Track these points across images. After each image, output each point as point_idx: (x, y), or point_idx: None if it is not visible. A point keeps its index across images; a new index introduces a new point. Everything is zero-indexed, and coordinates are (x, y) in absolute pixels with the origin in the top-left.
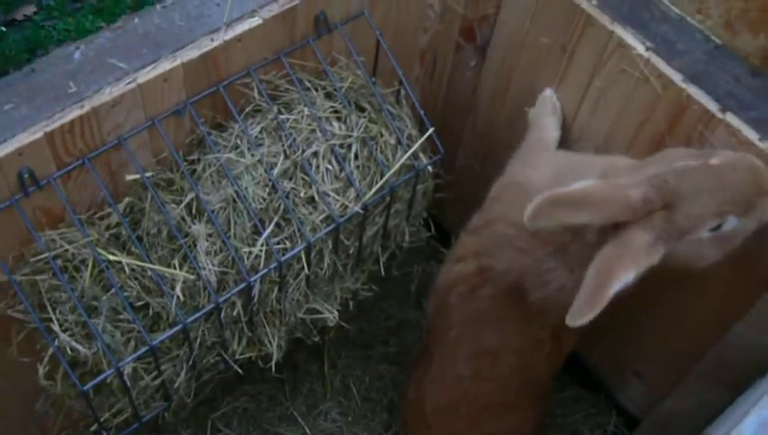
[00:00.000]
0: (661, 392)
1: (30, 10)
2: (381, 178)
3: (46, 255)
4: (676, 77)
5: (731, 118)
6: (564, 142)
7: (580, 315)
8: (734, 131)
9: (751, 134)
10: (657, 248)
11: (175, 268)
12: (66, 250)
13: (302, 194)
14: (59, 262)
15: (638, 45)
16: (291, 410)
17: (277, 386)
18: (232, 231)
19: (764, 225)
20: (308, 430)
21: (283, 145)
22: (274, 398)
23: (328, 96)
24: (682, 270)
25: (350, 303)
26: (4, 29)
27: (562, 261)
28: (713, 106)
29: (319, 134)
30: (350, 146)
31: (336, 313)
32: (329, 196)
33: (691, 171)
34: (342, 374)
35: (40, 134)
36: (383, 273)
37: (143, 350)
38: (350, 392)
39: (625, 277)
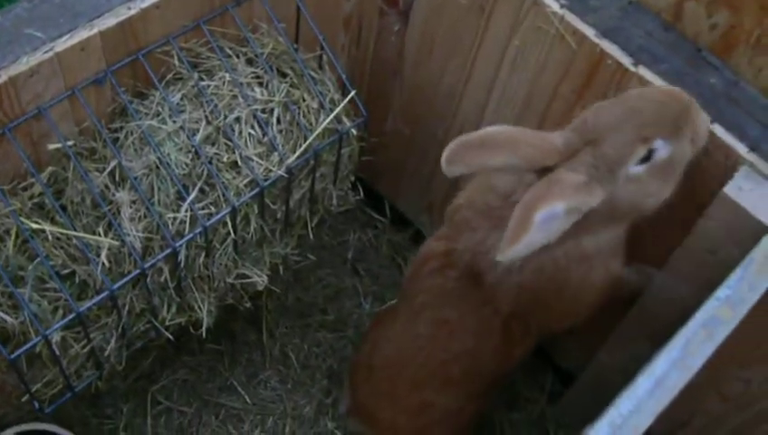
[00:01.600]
0: (594, 347)
1: None
2: (305, 141)
3: None
4: (590, 32)
5: (643, 71)
6: (486, 103)
7: (506, 246)
8: (646, 84)
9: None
10: (592, 189)
11: (99, 235)
12: None
13: (225, 159)
14: None
15: (552, 3)
16: (230, 380)
17: (216, 357)
18: (156, 198)
19: (701, 148)
20: (248, 399)
21: (204, 111)
22: (214, 369)
23: (249, 62)
24: (638, 215)
25: (281, 268)
26: None
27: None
28: (626, 60)
29: (240, 100)
30: (272, 111)
31: (265, 277)
32: (252, 160)
33: (607, 106)
34: (281, 343)
35: None
36: (312, 237)
37: (70, 317)
38: (289, 361)
39: (550, 207)
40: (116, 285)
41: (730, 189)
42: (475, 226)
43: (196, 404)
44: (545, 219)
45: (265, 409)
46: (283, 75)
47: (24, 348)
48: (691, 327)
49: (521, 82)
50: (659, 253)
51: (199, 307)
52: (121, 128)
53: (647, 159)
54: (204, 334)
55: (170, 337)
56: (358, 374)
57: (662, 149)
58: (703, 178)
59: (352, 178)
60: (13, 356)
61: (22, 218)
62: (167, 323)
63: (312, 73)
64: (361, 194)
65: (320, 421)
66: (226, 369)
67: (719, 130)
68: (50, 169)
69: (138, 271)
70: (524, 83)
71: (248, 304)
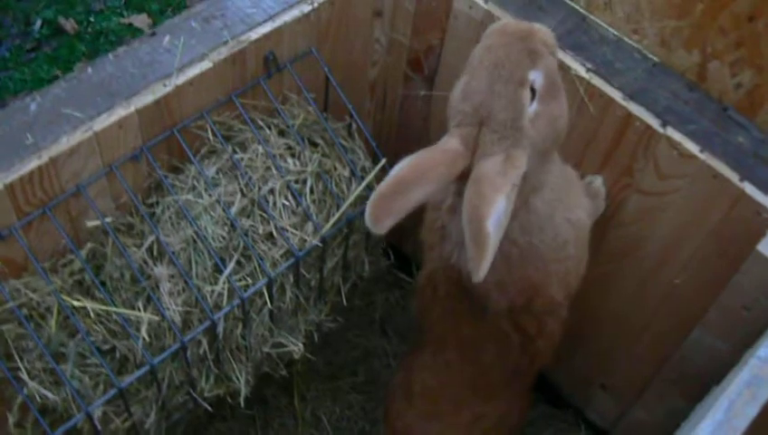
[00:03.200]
0: (628, 403)
1: None
2: (337, 210)
3: (11, 304)
4: (617, 95)
5: (671, 132)
6: None
7: (476, 267)
8: (675, 144)
9: (691, 146)
10: (514, 158)
11: (139, 310)
12: (31, 299)
13: (260, 230)
14: (24, 310)
15: (578, 67)
16: None
17: (248, 423)
18: (194, 271)
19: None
20: None
21: (239, 184)
22: (245, 434)
23: (281, 133)
24: (559, 140)
25: (315, 335)
26: None
27: (452, 242)
28: (654, 121)
29: (274, 171)
30: (305, 181)
31: (301, 345)
32: (287, 231)
33: (468, 84)
34: (313, 406)
35: (0, 186)
36: (345, 303)
37: (112, 393)
38: (321, 424)
39: (494, 208)
40: (157, 360)
41: (764, 247)
42: (433, 243)
43: None
44: (496, 220)
45: None
46: (315, 145)
47: (67, 425)
48: (734, 388)
49: None
50: (694, 310)
51: (237, 377)
52: (158, 202)
53: (533, 95)
54: (241, 403)
55: (209, 408)
56: (397, 402)
57: (537, 78)
58: (735, 235)
59: (383, 244)
60: (56, 433)
61: (63, 296)
62: (205, 395)
63: (343, 142)
64: (392, 259)
65: None
66: (259, 434)
67: (749, 188)
68: (89, 245)
69: (178, 345)
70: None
71: (283, 372)
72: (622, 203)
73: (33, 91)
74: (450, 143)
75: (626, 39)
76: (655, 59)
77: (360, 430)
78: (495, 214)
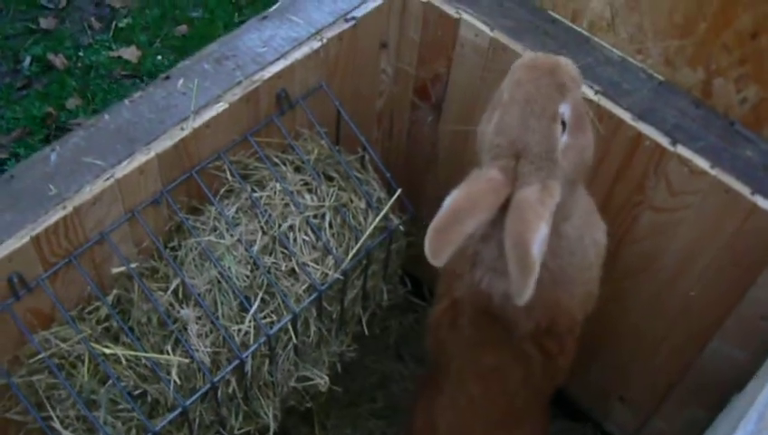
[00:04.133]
0: (647, 415)
1: None
2: (356, 242)
3: (42, 355)
4: (626, 116)
5: (682, 149)
6: None
7: (521, 290)
8: (685, 161)
9: (702, 162)
10: (551, 188)
11: (168, 354)
12: (61, 348)
13: (282, 267)
14: (55, 360)
15: (587, 90)
16: None
17: None
18: (220, 311)
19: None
20: None
21: (259, 222)
22: None
23: (297, 169)
24: (587, 169)
25: (338, 365)
26: None
27: (484, 267)
28: (664, 140)
29: (293, 208)
30: (323, 215)
31: (326, 377)
32: (308, 266)
33: (502, 119)
34: None
35: (26, 239)
36: (366, 332)
37: None
38: None
39: (539, 234)
40: (189, 402)
41: None
42: (462, 271)
43: None
44: (538, 245)
45: None
46: (330, 179)
47: None
48: (763, 399)
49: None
50: (711, 321)
51: (265, 413)
52: (180, 245)
53: (563, 128)
54: None
55: None
56: None
57: (566, 111)
58: (750, 247)
59: (399, 272)
60: None
61: (92, 344)
62: (235, 432)
63: (357, 174)
64: (409, 286)
65: None
66: None
67: (761, 201)
68: (114, 291)
69: (208, 386)
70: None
71: (309, 405)
72: (635, 220)
73: (51, 145)
74: (492, 174)
75: (630, 59)
76: (660, 78)
77: None
78: (539, 239)
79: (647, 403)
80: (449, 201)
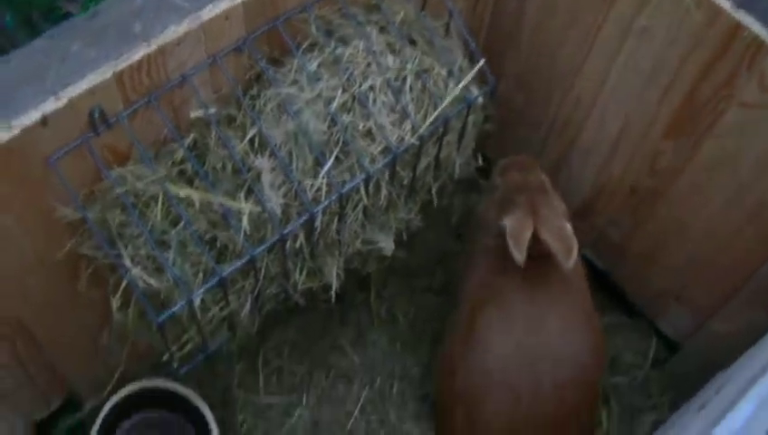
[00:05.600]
0: (705, 316)
1: None
2: (435, 109)
3: (118, 191)
4: (726, 4)
5: None
6: (607, 75)
7: (571, 258)
8: None
9: None
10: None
11: (241, 201)
12: (135, 186)
13: (360, 127)
14: (129, 198)
15: None
16: (339, 341)
17: (325, 317)
18: (294, 164)
19: None
20: (357, 359)
21: (340, 79)
22: (323, 328)
23: (381, 30)
24: None
25: (404, 233)
26: None
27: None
28: (764, 33)
29: (374, 68)
30: (404, 79)
31: (392, 243)
32: (385, 128)
33: None
34: (389, 304)
35: (109, 74)
36: (436, 203)
37: (213, 281)
38: (396, 322)
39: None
40: (257, 250)
41: None
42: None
43: (307, 364)
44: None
45: (374, 369)
46: (413, 43)
47: (171, 311)
48: None
49: (646, 55)
50: None
51: (329, 271)
52: (258, 95)
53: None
54: (333, 297)
55: (301, 301)
56: None
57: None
58: None
59: (473, 146)
60: (160, 319)
61: (168, 184)
62: (298, 287)
63: (442, 41)
64: (480, 162)
65: (426, 383)
66: (336, 329)
67: None
68: (192, 135)
69: (277, 236)
70: (650, 56)
71: (372, 269)
72: (720, 115)
73: None
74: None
75: None
76: None
77: (433, 331)
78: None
79: (706, 305)
80: (510, 226)
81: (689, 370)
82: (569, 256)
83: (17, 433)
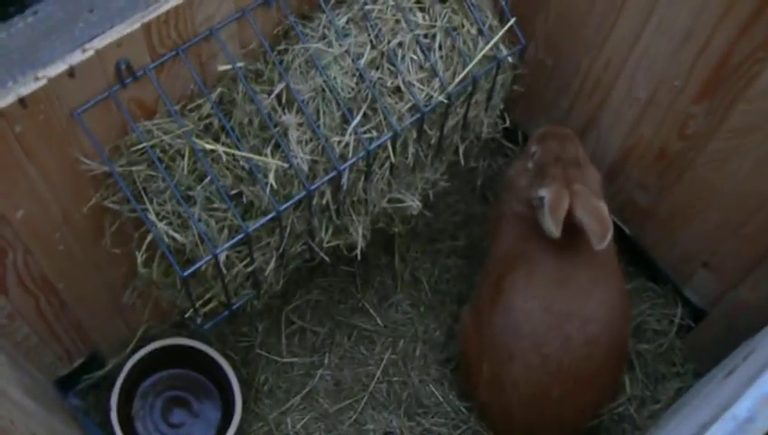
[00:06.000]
0: (731, 283)
1: None
2: (464, 68)
3: (144, 144)
4: None
5: None
6: (640, 35)
7: (604, 240)
8: None
9: None
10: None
11: (267, 157)
12: (162, 140)
13: (388, 84)
14: (155, 152)
15: None
16: (362, 303)
17: (348, 279)
18: (321, 120)
19: None
20: (380, 322)
21: (369, 35)
22: (346, 290)
23: None
24: None
25: (430, 193)
26: None
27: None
28: None
29: (404, 24)
30: (434, 36)
31: (418, 202)
32: (414, 86)
33: None
34: (412, 267)
35: (137, 25)
36: (463, 163)
37: (239, 237)
38: (420, 285)
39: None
40: (283, 207)
41: None
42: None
43: (329, 325)
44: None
45: (397, 331)
46: (443, 0)
47: (196, 266)
48: None
49: (681, 14)
50: None
51: (355, 230)
52: (287, 50)
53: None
54: (358, 256)
55: (326, 259)
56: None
57: None
58: None
59: (501, 107)
60: (185, 273)
61: (194, 139)
62: (323, 246)
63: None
64: (508, 122)
65: (449, 346)
66: (358, 291)
67: None
68: (219, 89)
69: (304, 193)
70: (685, 15)
71: (398, 229)
72: (754, 78)
73: None
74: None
75: None
76: None
77: (457, 294)
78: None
79: (733, 271)
80: (550, 197)
81: (714, 337)
82: (603, 240)
83: (40, 389)
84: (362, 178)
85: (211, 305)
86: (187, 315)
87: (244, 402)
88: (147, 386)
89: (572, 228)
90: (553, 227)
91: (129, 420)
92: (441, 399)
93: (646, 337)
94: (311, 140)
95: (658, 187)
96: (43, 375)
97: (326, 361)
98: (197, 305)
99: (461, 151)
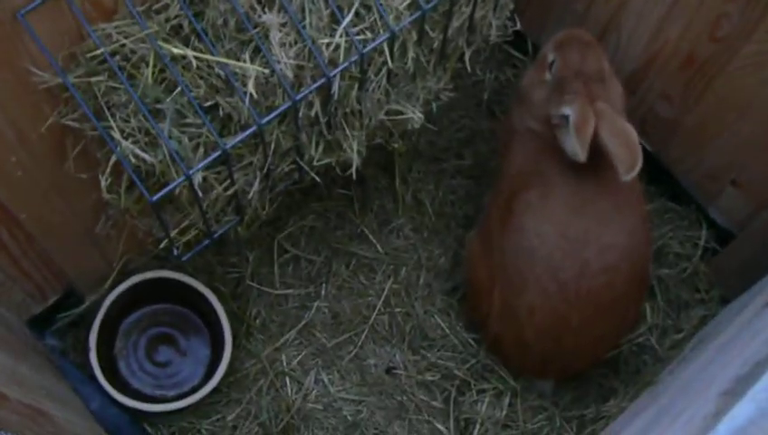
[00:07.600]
0: (762, 203)
1: None
2: None
3: (102, 50)
4: None
5: None
6: None
7: (632, 171)
8: None
9: None
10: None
11: (246, 63)
12: (123, 45)
13: None
14: (116, 60)
15: None
16: (361, 228)
17: (345, 203)
18: (307, 20)
19: None
20: (380, 248)
21: None
22: (343, 215)
23: None
24: None
25: (433, 105)
26: None
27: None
28: None
29: None
30: None
31: (421, 114)
32: None
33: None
34: (414, 189)
35: None
36: (469, 69)
37: (215, 155)
38: (422, 208)
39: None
40: (265, 119)
41: None
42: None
43: (325, 253)
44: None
45: (398, 258)
46: None
47: (167, 189)
48: None
49: None
50: None
51: (349, 146)
52: None
53: None
54: (354, 175)
55: (318, 180)
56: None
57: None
58: None
59: (511, 6)
60: (155, 198)
61: (160, 43)
62: (313, 164)
63: None
64: (518, 25)
65: (455, 274)
66: (357, 216)
67: None
68: None
69: (288, 103)
70: None
71: (397, 145)
72: None
73: None
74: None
75: None
76: None
77: (463, 216)
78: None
79: (765, 190)
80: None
81: (742, 262)
82: (631, 170)
83: (6, 329)
84: (356, 86)
85: (191, 235)
86: (161, 246)
87: (235, 338)
88: (129, 323)
89: (593, 149)
90: (579, 150)
91: (111, 360)
92: (447, 331)
93: (668, 261)
94: (295, 42)
95: (684, 97)
96: (14, 314)
97: (323, 292)
98: (173, 234)
99: (467, 57)
